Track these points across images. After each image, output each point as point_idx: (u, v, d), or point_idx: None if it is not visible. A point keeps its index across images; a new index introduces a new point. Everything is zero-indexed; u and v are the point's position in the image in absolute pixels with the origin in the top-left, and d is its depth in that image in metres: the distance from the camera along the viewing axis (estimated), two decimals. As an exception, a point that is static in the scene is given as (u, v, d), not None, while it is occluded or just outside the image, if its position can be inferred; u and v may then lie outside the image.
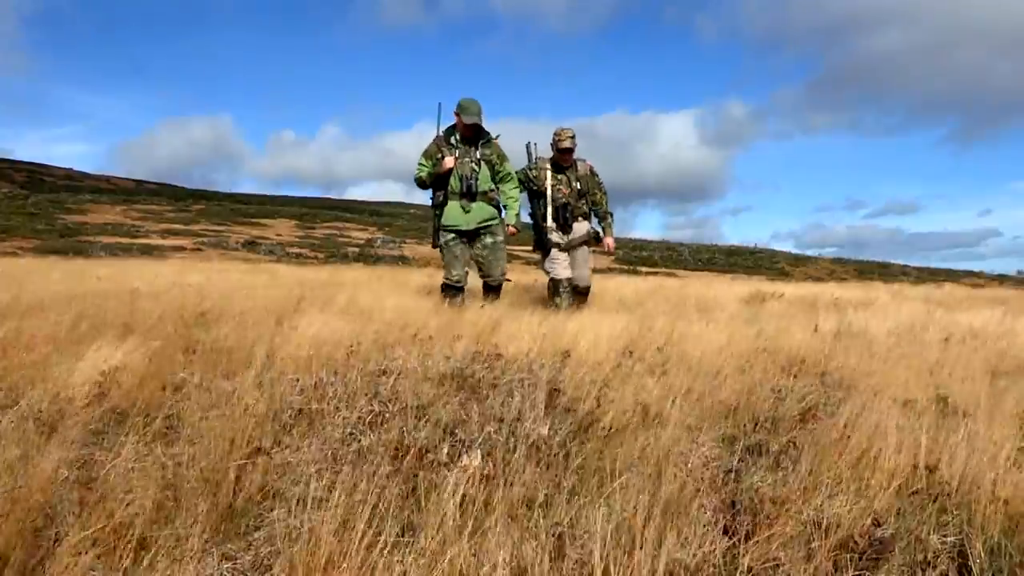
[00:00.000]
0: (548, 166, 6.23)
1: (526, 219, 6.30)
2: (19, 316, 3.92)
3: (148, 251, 27.09)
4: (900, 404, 2.88)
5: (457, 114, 5.76)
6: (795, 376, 3.57)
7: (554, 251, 6.30)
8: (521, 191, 6.15)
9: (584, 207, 6.33)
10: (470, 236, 5.85)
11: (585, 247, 6.35)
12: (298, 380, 2.61)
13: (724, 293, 10.20)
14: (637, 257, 40.70)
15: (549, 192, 6.17)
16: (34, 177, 78.52)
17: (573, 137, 6.17)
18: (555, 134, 6.19)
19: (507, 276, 6.07)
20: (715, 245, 53.42)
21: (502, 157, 5.90)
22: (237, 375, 2.72)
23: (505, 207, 5.98)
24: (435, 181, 5.78)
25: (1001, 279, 40.84)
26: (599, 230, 6.42)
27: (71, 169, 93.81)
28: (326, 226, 46.39)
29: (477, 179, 5.73)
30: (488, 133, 5.87)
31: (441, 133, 5.87)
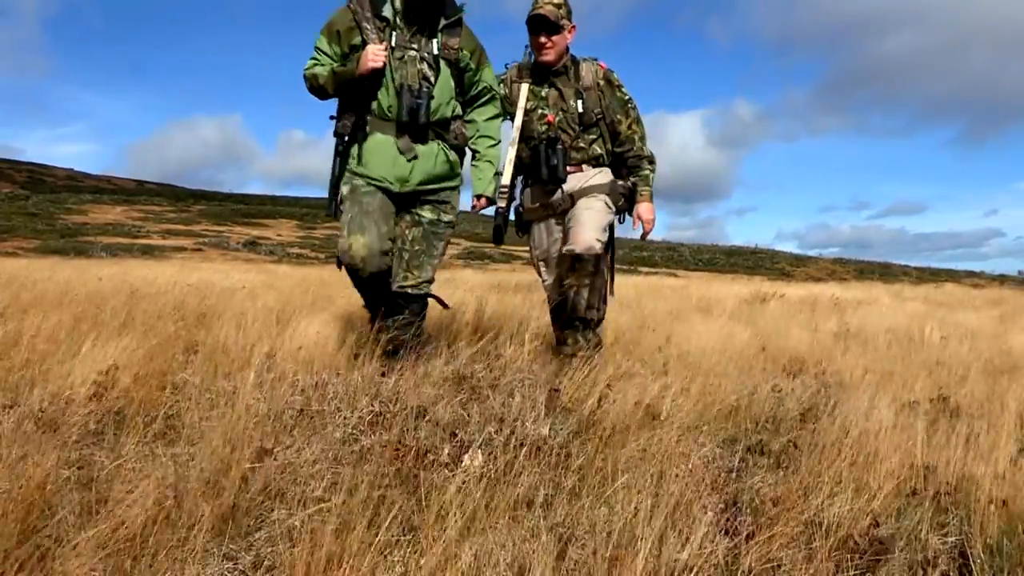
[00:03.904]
0: (523, 75, 3.41)
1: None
2: (19, 316, 3.92)
3: (149, 251, 27.11)
4: (900, 404, 2.88)
5: None
6: (795, 376, 3.58)
7: (537, 229, 3.54)
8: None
9: (596, 147, 3.40)
10: (400, 202, 3.07)
11: (598, 199, 3.37)
12: (299, 380, 2.62)
13: (724, 293, 10.20)
14: (637, 257, 40.73)
15: (518, 120, 3.34)
16: (35, 177, 78.58)
17: (561, 5, 3.27)
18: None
19: (432, 289, 3.17)
20: (716, 245, 53.58)
21: (479, 56, 3.09)
22: (237, 375, 2.72)
23: (476, 157, 3.19)
24: (344, 90, 2.97)
25: (1002, 279, 40.89)
26: (631, 186, 3.47)
27: (72, 169, 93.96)
28: (327, 227, 46.43)
29: (430, 95, 2.95)
30: (455, 5, 3.07)
31: None
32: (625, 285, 10.95)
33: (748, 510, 1.84)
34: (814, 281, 26.28)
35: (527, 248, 3.70)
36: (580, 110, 3.35)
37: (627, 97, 3.43)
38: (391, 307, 3.08)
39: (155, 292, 6.06)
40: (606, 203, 3.39)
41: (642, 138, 3.48)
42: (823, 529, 1.73)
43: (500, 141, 3.23)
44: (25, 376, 2.63)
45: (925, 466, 2.15)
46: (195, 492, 1.70)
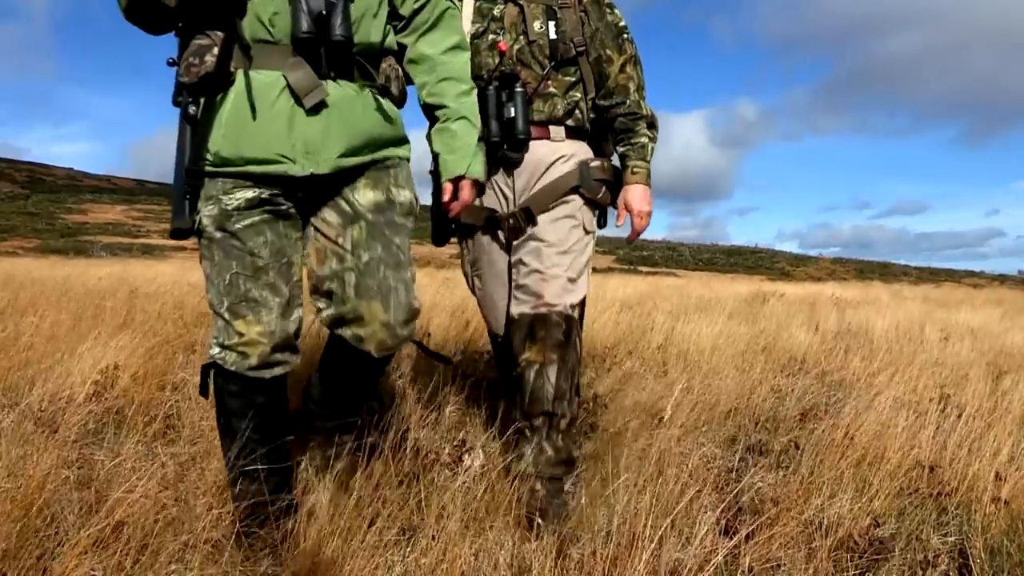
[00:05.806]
0: None
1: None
2: (18, 315, 3.92)
3: (149, 251, 27.13)
4: (900, 404, 2.88)
5: None
6: (795, 376, 3.58)
7: (472, 243, 2.19)
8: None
9: (575, 95, 2.12)
10: (311, 193, 1.62)
11: (565, 215, 2.07)
12: (299, 379, 2.61)
13: (724, 293, 10.21)
14: (637, 257, 40.76)
15: None
16: (35, 177, 78.58)
17: None
18: None
19: (416, 316, 1.69)
20: (716, 245, 53.78)
21: None
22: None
23: (441, 116, 1.78)
24: (193, 3, 1.46)
25: (1002, 279, 40.94)
26: (619, 165, 2.19)
27: (72, 169, 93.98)
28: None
29: (350, 2, 1.56)
30: None
31: None
32: (625, 285, 10.94)
33: (748, 510, 1.84)
34: (814, 281, 26.28)
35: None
36: (552, 36, 2.10)
37: (622, 23, 2.19)
38: (342, 370, 1.79)
39: (155, 291, 6.06)
40: (582, 226, 2.11)
41: (639, 88, 2.19)
42: (823, 529, 1.73)
43: (475, 87, 1.85)
44: (25, 376, 2.63)
45: (926, 466, 2.15)
46: (195, 491, 1.70)
